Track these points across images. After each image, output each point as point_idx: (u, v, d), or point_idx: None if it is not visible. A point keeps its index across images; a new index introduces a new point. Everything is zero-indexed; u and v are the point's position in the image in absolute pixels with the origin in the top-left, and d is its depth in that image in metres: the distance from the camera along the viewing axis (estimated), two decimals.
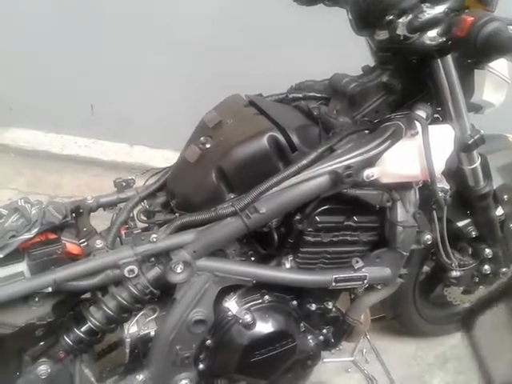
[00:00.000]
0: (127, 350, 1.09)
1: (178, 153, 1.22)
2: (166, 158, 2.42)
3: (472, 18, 0.87)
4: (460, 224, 1.32)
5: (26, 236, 1.00)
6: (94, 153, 2.53)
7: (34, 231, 1.00)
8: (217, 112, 1.16)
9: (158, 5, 2.13)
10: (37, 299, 0.99)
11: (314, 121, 1.14)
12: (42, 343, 1.06)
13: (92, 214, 1.22)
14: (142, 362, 1.11)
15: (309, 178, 1.02)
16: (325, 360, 1.57)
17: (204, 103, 1.22)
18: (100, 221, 1.26)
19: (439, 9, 0.95)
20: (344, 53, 1.51)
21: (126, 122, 2.43)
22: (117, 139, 2.53)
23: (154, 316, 1.09)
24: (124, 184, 1.23)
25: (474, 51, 0.88)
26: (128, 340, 1.08)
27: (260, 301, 1.14)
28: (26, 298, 0.99)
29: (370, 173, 1.03)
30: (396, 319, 1.66)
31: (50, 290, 0.97)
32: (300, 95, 1.22)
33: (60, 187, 2.36)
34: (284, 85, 1.29)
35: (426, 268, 1.53)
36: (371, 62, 1.16)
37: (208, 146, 1.10)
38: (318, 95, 1.20)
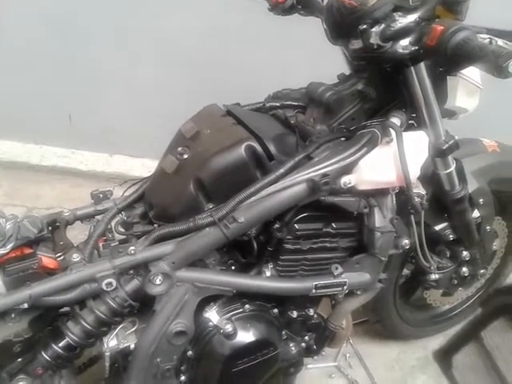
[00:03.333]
0: (107, 364, 1.07)
1: (158, 161, 1.21)
2: (146, 166, 2.41)
3: (442, 28, 0.88)
4: (437, 227, 1.34)
5: (1, 251, 0.98)
6: (73, 163, 2.50)
7: (9, 246, 0.99)
8: (194, 122, 1.15)
9: (140, 17, 2.11)
10: (13, 315, 0.98)
11: (291, 129, 1.15)
12: (19, 360, 1.04)
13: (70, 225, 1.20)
14: (122, 376, 1.10)
15: (286, 187, 1.02)
16: (308, 366, 1.58)
17: (184, 111, 1.21)
18: (78, 231, 1.24)
19: (411, 18, 0.97)
20: (320, 61, 1.52)
21: (105, 131, 2.40)
22: (96, 149, 2.51)
23: (134, 329, 1.08)
24: (101, 196, 1.21)
25: (445, 60, 0.89)
26: (108, 354, 1.06)
27: (241, 310, 1.14)
28: (1, 315, 0.97)
29: (346, 180, 1.04)
30: (378, 323, 1.67)
31: (25, 306, 0.95)
32: (277, 104, 1.22)
33: (39, 198, 2.32)
34: (264, 93, 1.29)
35: (405, 271, 1.54)
36: (347, 71, 1.17)
37: (185, 156, 1.09)
38: (295, 103, 1.21)
